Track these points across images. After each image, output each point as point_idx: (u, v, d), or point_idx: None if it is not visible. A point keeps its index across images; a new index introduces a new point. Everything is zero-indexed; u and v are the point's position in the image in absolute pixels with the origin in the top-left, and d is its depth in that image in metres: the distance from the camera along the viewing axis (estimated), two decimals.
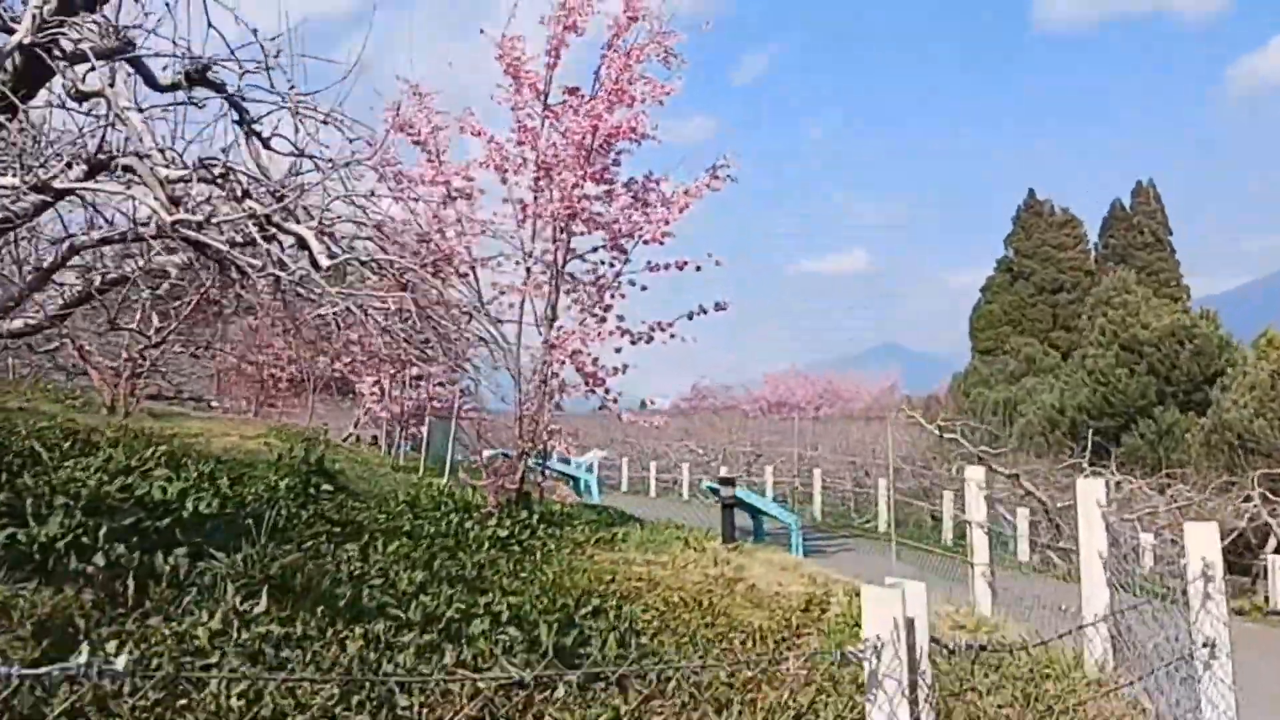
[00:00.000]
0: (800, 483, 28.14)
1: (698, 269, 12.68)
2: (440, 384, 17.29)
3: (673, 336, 12.69)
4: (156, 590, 5.45)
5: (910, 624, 3.52)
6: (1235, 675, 4.83)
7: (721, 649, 7.69)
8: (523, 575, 9.51)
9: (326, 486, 11.51)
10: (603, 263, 12.62)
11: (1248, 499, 20.26)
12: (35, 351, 17.65)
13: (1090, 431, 28.09)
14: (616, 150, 12.17)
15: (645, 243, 12.61)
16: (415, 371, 16.50)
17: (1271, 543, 20.88)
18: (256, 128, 7.32)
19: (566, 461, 21.78)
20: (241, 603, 5.39)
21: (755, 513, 14.50)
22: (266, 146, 7.34)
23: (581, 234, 12.60)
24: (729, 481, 12.12)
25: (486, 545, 10.61)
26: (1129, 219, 66.70)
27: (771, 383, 63.72)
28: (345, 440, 21.63)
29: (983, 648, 4.76)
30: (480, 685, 5.11)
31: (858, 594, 4.76)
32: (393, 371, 17.49)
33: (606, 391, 12.64)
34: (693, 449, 33.09)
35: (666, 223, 12.37)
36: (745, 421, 51.77)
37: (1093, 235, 66.93)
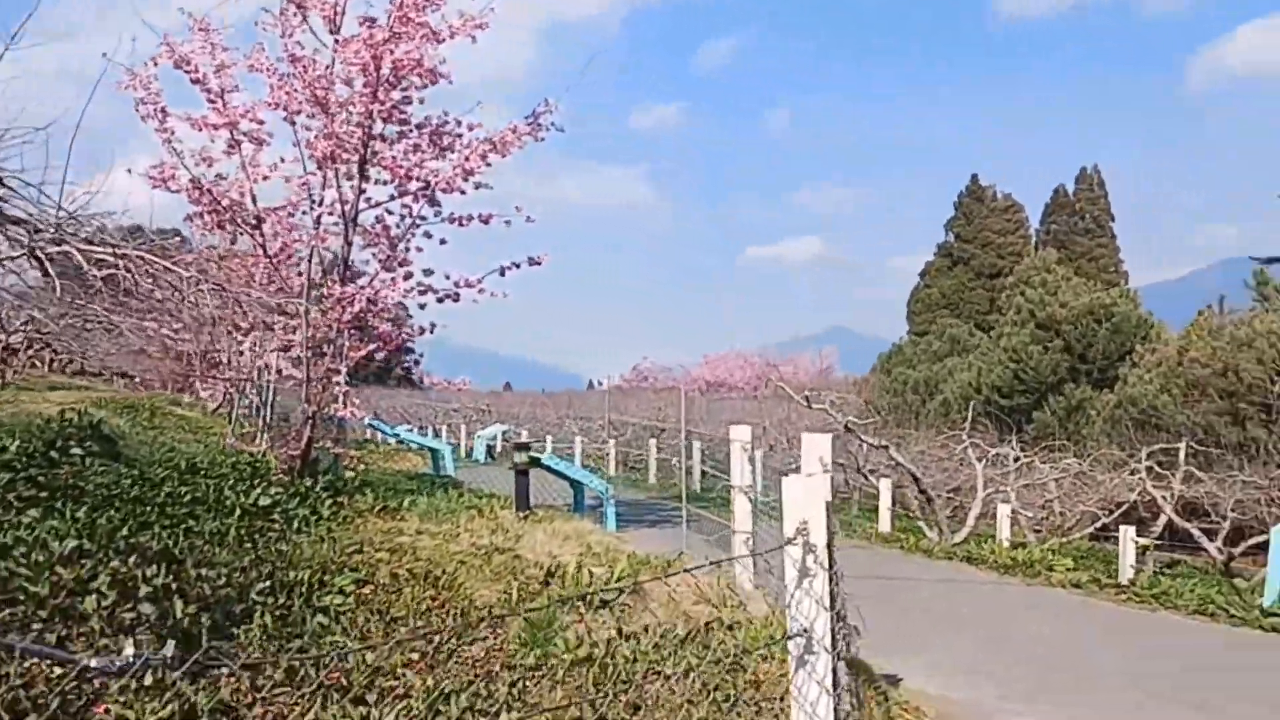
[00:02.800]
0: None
1: (507, 224, 11.41)
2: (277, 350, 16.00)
3: (481, 292, 11.44)
4: None
5: None
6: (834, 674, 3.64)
7: (416, 627, 6.49)
8: (257, 547, 8.33)
9: (76, 450, 10.23)
10: (391, 212, 11.34)
11: (1133, 472, 19.23)
12: None
13: (974, 407, 27.12)
14: (403, 88, 10.86)
15: (443, 191, 11.32)
16: (246, 339, 15.14)
17: (1163, 519, 19.89)
18: None
19: (427, 434, 20.50)
20: None
21: (575, 483, 13.25)
22: None
23: (382, 182, 11.32)
24: (524, 447, 10.86)
25: (239, 513, 9.36)
26: (1071, 205, 65.95)
27: (710, 364, 62.71)
28: (214, 412, 20.35)
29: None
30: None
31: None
32: (223, 341, 16.21)
33: (407, 352, 11.35)
34: (599, 422, 31.96)
35: (467, 172, 11.09)
36: (682, 401, 50.93)
37: (1035, 221, 66.22)
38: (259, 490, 10.07)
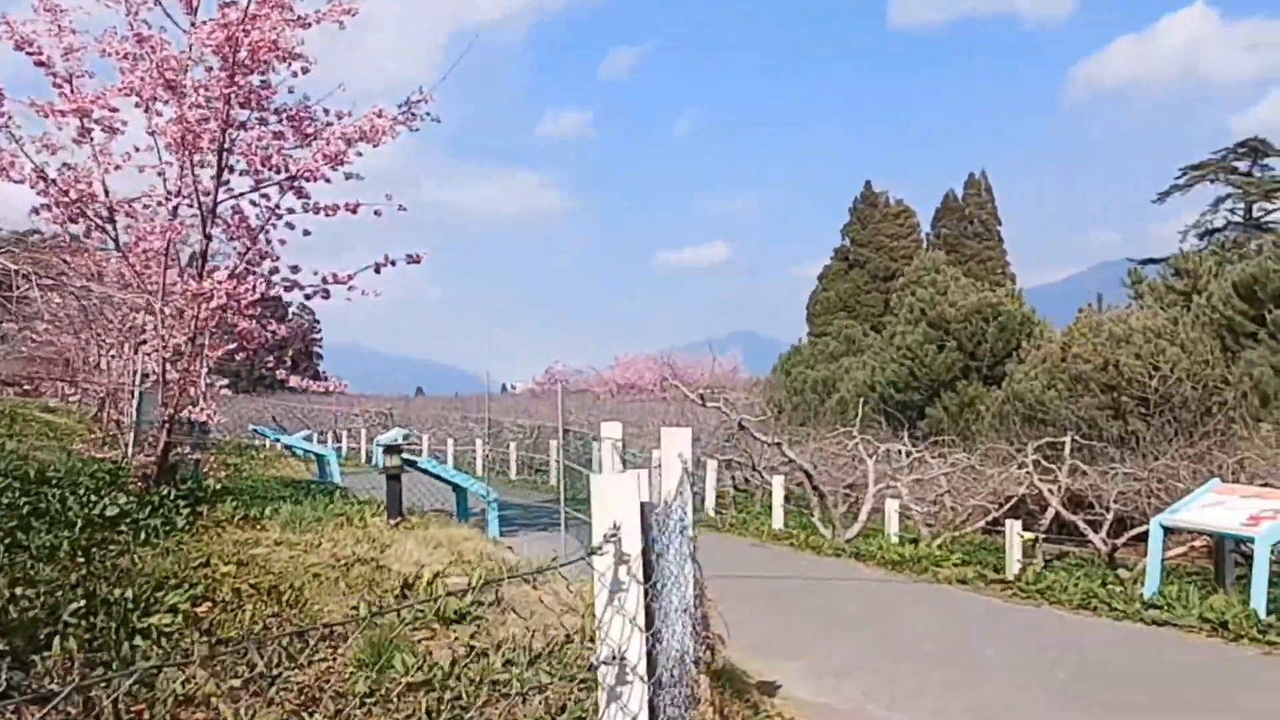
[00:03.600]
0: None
1: (376, 214, 10.81)
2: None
3: (352, 289, 10.82)
4: None
5: None
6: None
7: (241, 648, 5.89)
8: (91, 562, 7.64)
9: None
10: (255, 204, 10.66)
11: (1021, 465, 19.32)
12: None
13: (864, 403, 27.23)
14: (262, 73, 10.20)
15: (307, 179, 10.70)
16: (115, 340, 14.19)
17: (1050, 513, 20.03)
18: None
19: (316, 440, 19.63)
20: None
21: (456, 487, 12.67)
22: None
23: (243, 172, 10.63)
24: (394, 449, 10.25)
25: (80, 525, 8.60)
26: (960, 210, 67.24)
27: (621, 366, 62.52)
28: (93, 418, 19.20)
29: None
30: None
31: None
32: (92, 344, 15.24)
33: (271, 351, 10.65)
34: (510, 426, 31.25)
35: (332, 159, 10.48)
36: (596, 402, 50.69)
37: (926, 225, 67.34)
38: (106, 500, 9.32)
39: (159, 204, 10.35)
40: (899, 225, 65.19)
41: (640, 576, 3.04)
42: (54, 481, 10.02)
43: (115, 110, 10.59)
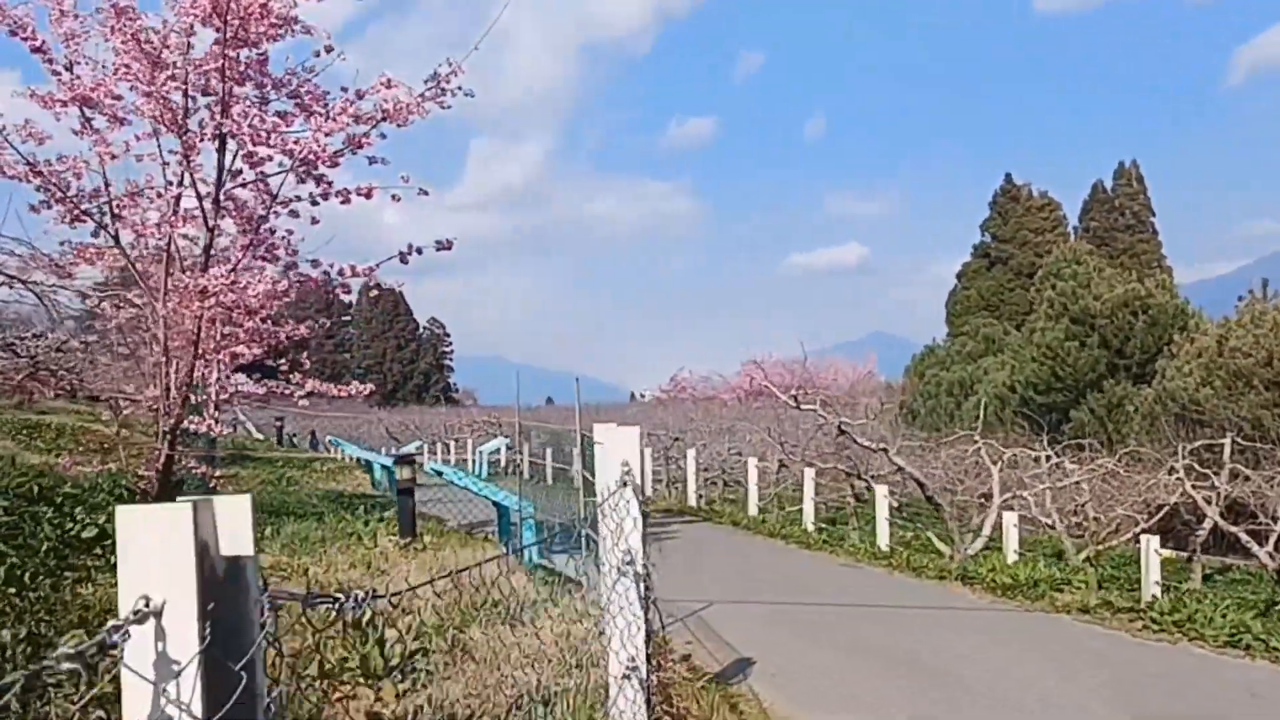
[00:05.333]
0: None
1: (395, 198, 9.61)
2: None
3: (376, 288, 9.65)
4: None
5: None
6: None
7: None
8: (44, 591, 6.73)
9: None
10: (266, 190, 9.55)
11: (1172, 471, 16.84)
12: None
13: (986, 406, 24.81)
14: (255, 43, 9.08)
15: (330, 166, 9.55)
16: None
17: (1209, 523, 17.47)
18: None
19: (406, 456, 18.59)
20: None
21: (496, 504, 11.21)
22: None
23: (250, 157, 9.55)
24: (406, 460, 8.97)
25: (46, 549, 7.62)
26: (1110, 201, 63.03)
27: (749, 371, 60.56)
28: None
29: None
30: None
31: None
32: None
33: (282, 356, 9.56)
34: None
35: (352, 141, 9.31)
36: (724, 409, 49.02)
37: (1074, 219, 63.35)
38: (84, 520, 8.33)
39: (158, 195, 9.37)
40: (1043, 219, 61.36)
41: None
42: (47, 500, 9.13)
43: (119, 98, 9.67)
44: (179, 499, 5.75)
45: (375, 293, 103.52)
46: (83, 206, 9.28)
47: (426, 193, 9.81)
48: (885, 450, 14.55)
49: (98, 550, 7.94)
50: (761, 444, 23.78)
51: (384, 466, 17.20)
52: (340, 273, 9.74)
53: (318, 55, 9.66)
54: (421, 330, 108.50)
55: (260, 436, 34.98)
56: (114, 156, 9.43)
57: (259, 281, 9.21)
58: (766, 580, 11.40)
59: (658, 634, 4.63)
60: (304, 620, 2.81)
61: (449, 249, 9.96)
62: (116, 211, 9.52)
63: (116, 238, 9.49)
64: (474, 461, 28.95)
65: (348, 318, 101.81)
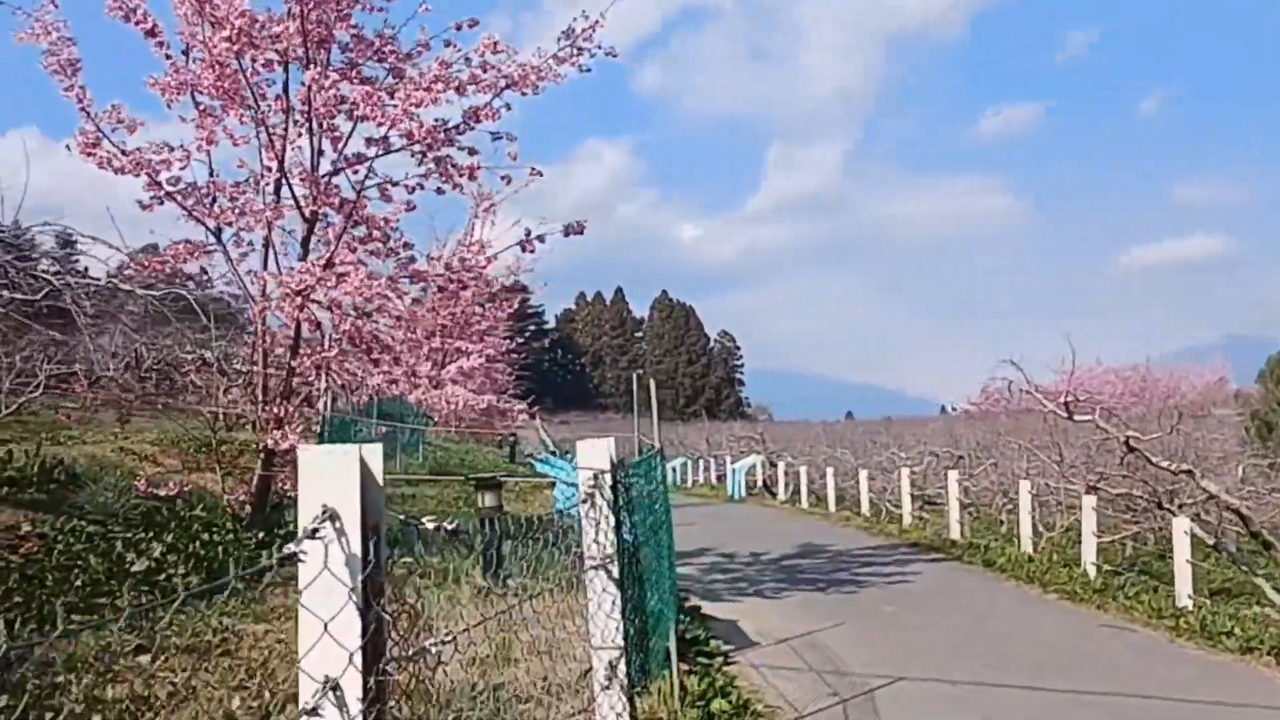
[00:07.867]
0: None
1: (506, 180, 8.13)
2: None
3: (472, 277, 8.15)
4: None
5: None
6: None
7: None
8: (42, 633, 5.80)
9: None
10: (372, 172, 8.29)
11: None
12: None
13: None
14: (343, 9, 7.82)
15: (446, 144, 8.19)
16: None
17: None
18: None
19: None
20: None
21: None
22: None
23: (368, 138, 8.36)
24: (490, 484, 7.22)
25: (82, 583, 6.55)
26: None
27: (1075, 381, 54.49)
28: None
29: None
30: None
31: None
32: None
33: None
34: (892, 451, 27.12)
35: (476, 115, 7.95)
36: (1044, 423, 44.03)
37: None
38: (137, 551, 7.23)
39: (254, 183, 8.29)
40: None
41: None
42: (148, 524, 8.18)
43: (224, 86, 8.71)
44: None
45: (665, 307, 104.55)
46: (179, 196, 8.36)
47: (540, 173, 8.19)
48: (1191, 472, 11.27)
49: (146, 585, 6.80)
50: (1040, 466, 20.25)
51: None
52: (448, 265, 8.28)
53: (459, 29, 8.35)
54: (712, 344, 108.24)
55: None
56: (212, 142, 8.47)
57: (356, 274, 7.88)
58: (988, 653, 8.43)
59: None
60: None
61: (580, 232, 8.26)
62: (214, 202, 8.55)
63: (218, 234, 8.50)
64: (731, 479, 27.23)
65: (640, 334, 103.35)
